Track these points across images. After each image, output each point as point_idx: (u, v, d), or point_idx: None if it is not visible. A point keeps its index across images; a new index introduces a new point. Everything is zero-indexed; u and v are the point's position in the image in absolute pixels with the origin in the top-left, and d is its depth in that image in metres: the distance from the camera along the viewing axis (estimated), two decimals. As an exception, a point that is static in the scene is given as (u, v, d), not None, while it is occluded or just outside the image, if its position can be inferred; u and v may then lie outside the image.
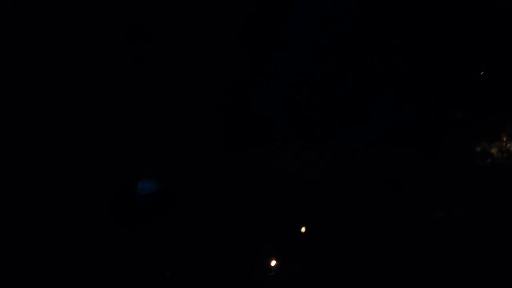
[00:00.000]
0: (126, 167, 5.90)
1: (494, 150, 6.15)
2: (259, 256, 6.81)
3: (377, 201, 7.16)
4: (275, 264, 6.78)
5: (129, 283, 5.67)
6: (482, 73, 6.06)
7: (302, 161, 7.29)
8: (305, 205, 7.15)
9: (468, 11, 6.47)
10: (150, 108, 6.15)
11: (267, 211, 7.20)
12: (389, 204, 7.14)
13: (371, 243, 6.54)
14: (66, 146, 5.96)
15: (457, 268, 5.99)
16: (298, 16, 7.54)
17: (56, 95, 6.04)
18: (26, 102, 5.94)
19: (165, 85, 6.24)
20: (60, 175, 5.84)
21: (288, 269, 6.81)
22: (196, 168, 6.08)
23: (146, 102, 6.14)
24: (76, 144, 5.94)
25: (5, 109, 5.83)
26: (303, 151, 7.30)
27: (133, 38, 5.77)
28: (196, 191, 6.24)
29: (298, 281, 6.78)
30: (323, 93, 7.52)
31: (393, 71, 7.19)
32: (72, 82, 6.10)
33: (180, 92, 6.22)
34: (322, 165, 7.31)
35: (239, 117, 6.54)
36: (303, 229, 6.95)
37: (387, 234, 6.51)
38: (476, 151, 6.21)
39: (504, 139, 6.17)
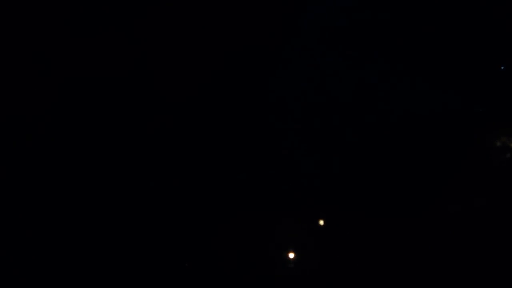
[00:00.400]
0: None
1: (514, 145, 6.16)
2: (278, 249, 6.83)
3: (394, 193, 7.17)
4: (293, 257, 6.81)
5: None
6: (502, 68, 6.07)
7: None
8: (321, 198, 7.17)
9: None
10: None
11: (285, 204, 7.22)
12: (406, 196, 7.16)
13: (389, 235, 6.56)
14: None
15: (474, 261, 6.01)
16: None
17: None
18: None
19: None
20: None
21: (307, 262, 6.84)
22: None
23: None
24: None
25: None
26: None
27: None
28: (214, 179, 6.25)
29: (317, 274, 6.80)
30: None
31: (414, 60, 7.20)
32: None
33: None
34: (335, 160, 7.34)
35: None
36: (321, 222, 6.97)
37: (405, 227, 6.53)
38: (496, 146, 6.22)
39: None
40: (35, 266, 5.38)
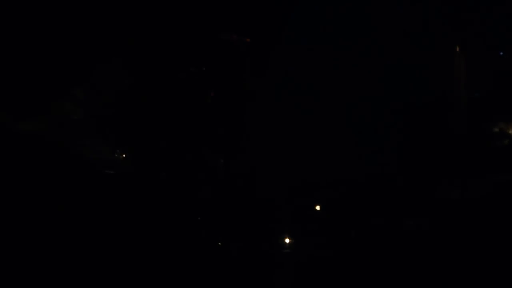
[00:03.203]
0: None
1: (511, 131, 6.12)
2: (273, 234, 6.82)
3: (391, 179, 7.15)
4: (289, 242, 6.80)
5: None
6: (501, 54, 6.02)
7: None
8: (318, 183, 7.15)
9: None
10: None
11: (281, 188, 7.20)
12: (403, 181, 7.14)
13: (386, 221, 6.54)
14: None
15: (472, 250, 6.00)
16: None
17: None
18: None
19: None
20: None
21: (303, 247, 6.83)
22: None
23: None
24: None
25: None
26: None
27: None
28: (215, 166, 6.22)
29: (313, 259, 6.80)
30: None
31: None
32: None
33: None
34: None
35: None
36: (317, 207, 6.95)
37: (402, 213, 6.51)
38: (493, 131, 6.18)
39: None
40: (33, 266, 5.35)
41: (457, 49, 4.42)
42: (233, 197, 6.42)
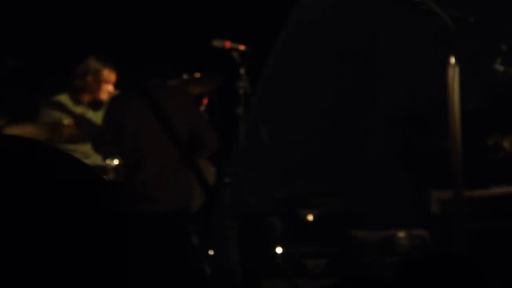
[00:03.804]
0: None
1: (506, 143, 6.08)
2: (265, 244, 6.79)
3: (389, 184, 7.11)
4: (281, 252, 6.77)
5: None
6: (496, 66, 5.98)
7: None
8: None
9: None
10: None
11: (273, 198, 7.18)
12: (401, 188, 7.10)
13: (380, 233, 6.50)
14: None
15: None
16: None
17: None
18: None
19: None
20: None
21: (295, 257, 6.79)
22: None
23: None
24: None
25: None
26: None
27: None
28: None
29: (303, 268, 6.76)
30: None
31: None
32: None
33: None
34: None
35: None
36: (310, 217, 6.92)
37: (396, 226, 6.47)
38: (488, 144, 6.14)
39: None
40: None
41: (451, 61, 4.37)
42: (224, 207, 6.38)
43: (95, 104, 6.55)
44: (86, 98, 6.54)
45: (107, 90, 6.48)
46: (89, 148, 6.14)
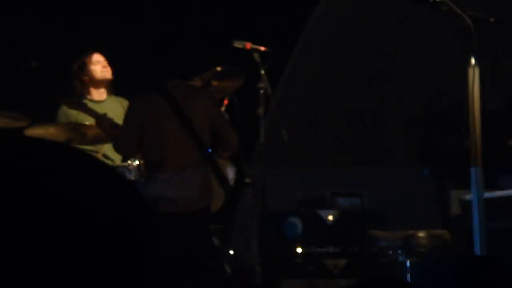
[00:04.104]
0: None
1: (527, 144, 6.06)
2: (285, 244, 6.80)
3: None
4: (301, 252, 6.78)
5: None
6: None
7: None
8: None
9: None
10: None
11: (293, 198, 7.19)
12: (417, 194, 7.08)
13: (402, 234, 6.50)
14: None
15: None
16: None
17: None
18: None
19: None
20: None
21: (315, 257, 6.80)
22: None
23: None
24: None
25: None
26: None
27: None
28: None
29: (323, 268, 6.77)
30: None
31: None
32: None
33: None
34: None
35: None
36: (330, 217, 6.93)
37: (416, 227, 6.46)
38: (508, 145, 6.13)
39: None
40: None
41: (472, 61, 4.37)
42: (244, 207, 6.40)
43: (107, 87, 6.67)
44: (94, 90, 6.65)
45: (99, 70, 6.59)
46: (110, 148, 6.17)
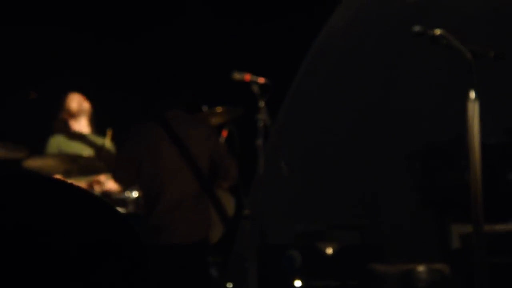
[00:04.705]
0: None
1: (527, 178, 6.05)
2: (284, 277, 6.77)
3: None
4: (300, 285, 6.74)
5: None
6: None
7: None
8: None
9: None
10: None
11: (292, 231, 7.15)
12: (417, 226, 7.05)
13: (400, 268, 6.47)
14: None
15: None
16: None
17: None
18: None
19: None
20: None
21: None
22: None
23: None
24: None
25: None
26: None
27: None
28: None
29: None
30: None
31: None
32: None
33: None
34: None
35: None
36: (329, 250, 6.89)
37: (416, 260, 6.43)
38: (508, 179, 6.12)
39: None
40: None
41: (472, 96, 4.36)
42: (243, 239, 6.36)
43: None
44: (75, 124, 6.73)
45: (76, 102, 6.71)
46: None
